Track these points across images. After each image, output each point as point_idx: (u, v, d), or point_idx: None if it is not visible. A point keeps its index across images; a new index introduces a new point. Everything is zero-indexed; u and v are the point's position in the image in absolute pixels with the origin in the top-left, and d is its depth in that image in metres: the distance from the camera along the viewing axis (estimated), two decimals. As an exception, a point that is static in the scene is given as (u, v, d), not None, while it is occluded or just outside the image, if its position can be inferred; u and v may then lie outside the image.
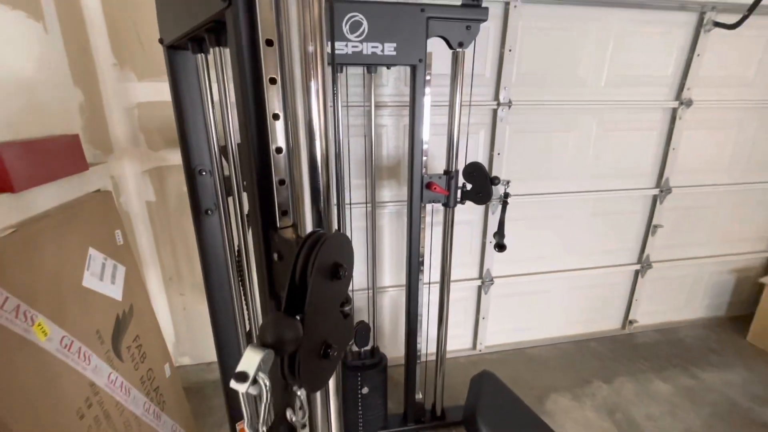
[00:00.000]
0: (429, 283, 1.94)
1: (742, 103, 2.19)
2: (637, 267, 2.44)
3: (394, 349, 2.23)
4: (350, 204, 1.93)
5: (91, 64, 1.53)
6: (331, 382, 0.61)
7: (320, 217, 0.51)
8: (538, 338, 2.48)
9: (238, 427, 1.20)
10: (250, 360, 0.32)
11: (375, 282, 1.78)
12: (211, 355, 2.14)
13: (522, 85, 1.95)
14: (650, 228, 2.35)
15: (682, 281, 2.58)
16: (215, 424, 1.88)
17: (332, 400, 0.62)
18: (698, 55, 2.04)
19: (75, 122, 1.40)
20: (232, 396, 1.13)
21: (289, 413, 0.35)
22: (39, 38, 1.24)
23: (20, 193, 1.02)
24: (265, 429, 0.35)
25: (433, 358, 1.85)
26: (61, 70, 1.35)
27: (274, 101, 0.52)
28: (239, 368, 0.32)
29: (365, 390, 1.66)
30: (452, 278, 2.14)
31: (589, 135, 2.11)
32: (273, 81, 0.51)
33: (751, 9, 1.77)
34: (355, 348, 1.71)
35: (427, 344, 2.04)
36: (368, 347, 1.72)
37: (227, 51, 0.80)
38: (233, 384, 0.32)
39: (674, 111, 2.15)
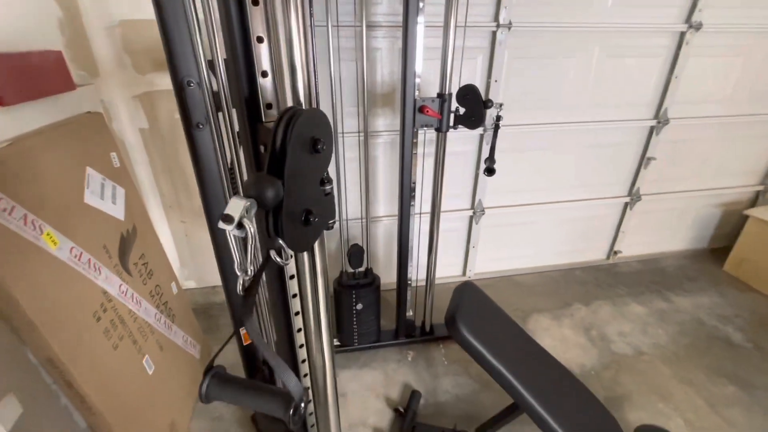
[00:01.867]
0: (420, 214, 2.01)
1: (756, 27, 2.09)
2: (627, 199, 2.49)
3: (388, 275, 2.36)
4: (343, 133, 1.92)
5: (65, -24, 1.44)
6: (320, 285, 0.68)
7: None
8: (526, 267, 2.61)
9: (242, 332, 1.32)
10: (235, 205, 0.37)
11: (368, 209, 1.84)
12: (215, 279, 2.27)
13: (524, 5, 1.85)
14: (643, 160, 2.37)
15: (669, 214, 2.65)
16: (222, 339, 2.04)
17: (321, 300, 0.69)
18: (715, -29, 1.91)
19: (56, 39, 1.35)
20: (234, 300, 1.24)
21: (273, 254, 0.41)
22: (5, -59, 1.15)
23: (10, 107, 1.02)
24: (252, 269, 0.40)
25: (424, 283, 1.97)
26: (34, -21, 1.27)
27: (258, 22, 0.52)
28: (225, 212, 0.36)
29: (359, 306, 1.79)
30: (445, 209, 2.22)
31: (590, 62, 2.04)
32: (256, 2, 0.51)
33: None
34: (350, 269, 1.82)
35: (417, 271, 2.16)
36: (362, 269, 1.83)
37: None
38: (221, 224, 0.36)
39: (682, 35, 2.06)
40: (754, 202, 2.73)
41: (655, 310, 2.27)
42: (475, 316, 1.16)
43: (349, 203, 2.00)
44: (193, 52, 0.94)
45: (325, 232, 0.61)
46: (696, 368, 1.87)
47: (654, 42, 2.06)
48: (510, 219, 2.40)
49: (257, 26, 0.54)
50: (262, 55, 0.55)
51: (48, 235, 1.03)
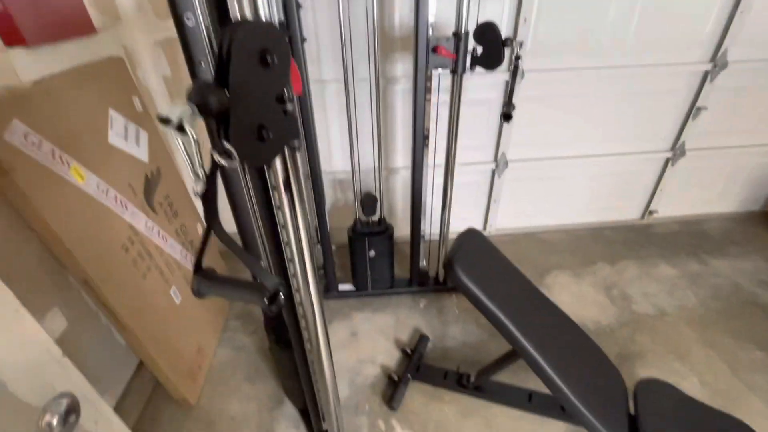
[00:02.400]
0: (434, 165, 1.96)
1: None
2: (669, 155, 2.29)
3: (405, 228, 2.37)
4: (353, 79, 1.86)
5: None
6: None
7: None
8: (551, 224, 2.52)
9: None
10: (173, 109, 0.38)
11: (381, 158, 1.82)
12: (241, 225, 2.40)
13: (561, -72, 1.64)
14: (692, 111, 2.14)
15: (718, 172, 2.41)
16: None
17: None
18: None
19: (75, -18, 1.39)
20: (247, 236, 1.31)
21: (216, 156, 0.42)
22: None
23: (34, 48, 1.09)
24: (202, 172, 0.43)
25: (439, 236, 1.97)
26: None
27: None
28: (160, 114, 0.38)
29: (372, 253, 1.84)
30: (465, 161, 2.16)
31: (636, -5, 1.81)
32: None
33: None
34: (363, 217, 1.85)
35: (432, 224, 2.15)
36: (375, 218, 1.85)
37: None
38: (160, 125, 0.38)
39: (754, -41, 1.76)
40: (824, 160, 2.41)
41: (687, 273, 2.14)
42: (475, 261, 1.15)
43: (365, 153, 1.98)
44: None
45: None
46: (723, 332, 1.78)
47: (718, -32, 1.78)
48: (536, 173, 2.30)
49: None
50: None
51: (75, 169, 1.12)
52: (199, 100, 0.40)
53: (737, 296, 1.97)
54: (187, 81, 1.85)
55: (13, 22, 1.02)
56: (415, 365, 1.62)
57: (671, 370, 1.63)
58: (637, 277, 2.13)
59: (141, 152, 1.46)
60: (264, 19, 0.51)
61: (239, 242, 1.21)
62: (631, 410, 1.22)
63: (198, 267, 0.59)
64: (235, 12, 0.53)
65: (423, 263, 2.04)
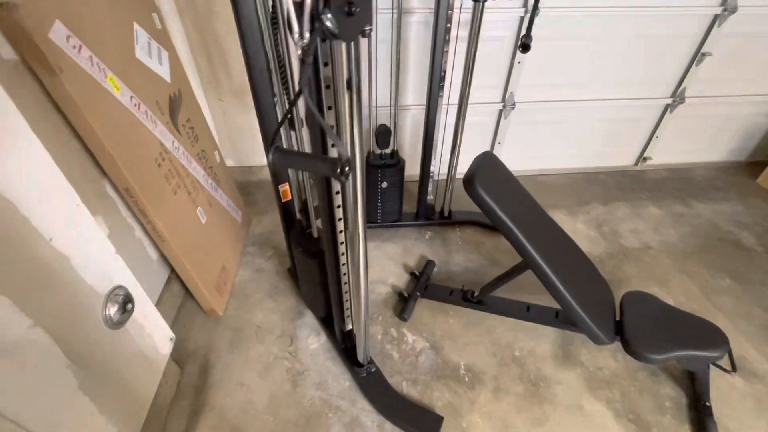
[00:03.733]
0: (448, 105, 2.00)
1: None
2: (668, 101, 2.37)
3: (413, 167, 2.44)
4: (375, 10, 1.85)
5: None
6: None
7: None
8: (551, 167, 2.63)
9: (281, 189, 1.48)
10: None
11: (397, 98, 1.85)
12: (251, 159, 2.45)
13: None
14: (696, 56, 2.19)
15: (713, 121, 2.52)
16: (259, 212, 2.28)
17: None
18: None
19: None
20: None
21: (325, 19, 0.49)
22: None
23: (62, -53, 1.06)
24: (305, 39, 0.49)
25: (446, 177, 2.05)
26: None
27: None
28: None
29: (384, 185, 1.93)
30: (475, 101, 2.20)
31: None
32: None
33: None
34: (377, 150, 1.91)
35: (440, 164, 2.23)
36: (388, 150, 1.92)
37: None
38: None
39: None
40: (812, 112, 2.54)
41: (672, 213, 2.31)
42: (491, 179, 1.25)
43: (379, 88, 2.00)
44: None
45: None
46: (698, 263, 1.98)
47: None
48: (541, 116, 2.36)
49: None
50: None
51: (111, 79, 1.14)
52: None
53: (714, 234, 2.16)
54: (203, 10, 1.79)
55: None
56: (423, 284, 1.78)
57: (651, 293, 1.82)
58: (627, 217, 2.29)
59: (164, 71, 1.47)
60: None
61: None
62: (617, 317, 1.41)
63: (272, 141, 0.66)
64: None
65: (430, 198, 2.15)
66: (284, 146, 1.36)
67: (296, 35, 0.49)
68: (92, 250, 1.03)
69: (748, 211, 2.33)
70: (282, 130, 1.32)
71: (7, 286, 0.76)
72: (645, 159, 2.63)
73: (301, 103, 0.97)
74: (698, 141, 2.62)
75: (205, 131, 1.78)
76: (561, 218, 2.27)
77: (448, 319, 1.69)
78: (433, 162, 2.00)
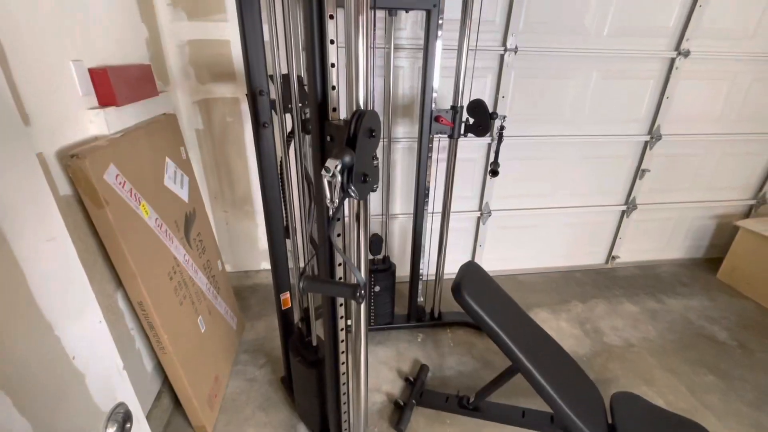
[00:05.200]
0: (433, 213, 2.26)
1: (740, 55, 2.32)
2: (623, 208, 2.71)
3: (401, 269, 2.60)
4: (368, 139, 2.20)
5: (150, 3, 1.77)
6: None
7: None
8: (529, 267, 2.83)
9: (282, 297, 1.58)
10: (331, 163, 0.64)
11: (387, 208, 2.10)
12: (248, 264, 2.56)
13: (529, 32, 2.13)
14: (638, 172, 2.59)
15: (665, 223, 2.85)
16: (252, 317, 2.31)
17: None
18: (700, 6, 2.15)
19: (145, 55, 1.68)
20: (278, 270, 1.51)
21: (350, 191, 0.67)
22: (117, -20, 1.49)
23: (121, 107, 1.33)
24: (335, 203, 0.67)
25: (434, 277, 2.21)
26: (133, 9, 1.60)
27: (331, 31, 0.80)
28: (326, 165, 0.63)
29: (377, 288, 2.04)
30: (455, 209, 2.47)
31: (588, 82, 2.30)
32: (331, 17, 0.79)
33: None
34: (369, 256, 2.07)
35: (428, 266, 2.40)
36: (380, 256, 2.09)
37: (290, 10, 1.06)
38: (323, 173, 0.63)
39: (672, 61, 2.30)
40: (747, 215, 2.91)
41: (647, 310, 2.46)
42: (477, 287, 1.40)
43: (371, 200, 2.26)
44: (265, 70, 1.24)
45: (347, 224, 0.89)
46: (680, 360, 2.06)
47: (646, 66, 2.31)
48: (515, 221, 2.64)
49: (332, 56, 0.82)
50: (334, 75, 0.83)
51: (143, 206, 1.32)
52: (345, 157, 0.66)
53: (689, 329, 2.29)
54: (218, 133, 2.12)
55: (111, 88, 1.27)
56: (418, 391, 1.77)
57: (640, 392, 1.85)
58: (606, 314, 2.42)
59: (184, 193, 1.67)
60: (363, 107, 0.79)
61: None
62: (609, 419, 1.44)
63: (303, 272, 0.80)
64: (330, 103, 0.81)
65: (420, 300, 2.26)
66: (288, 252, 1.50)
67: (328, 200, 0.67)
68: (105, 366, 1.07)
69: (714, 306, 2.50)
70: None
71: (24, 402, 0.80)
72: (614, 258, 2.87)
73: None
74: (658, 241, 2.91)
75: (212, 242, 1.93)
76: (545, 317, 2.38)
77: (445, 428, 1.66)
78: (421, 264, 2.16)
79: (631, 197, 2.68)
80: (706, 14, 2.19)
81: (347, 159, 0.67)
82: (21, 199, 0.89)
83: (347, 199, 0.69)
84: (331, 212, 0.69)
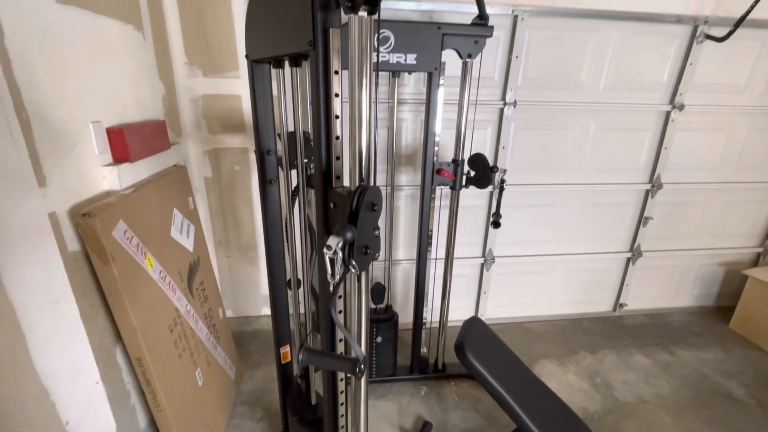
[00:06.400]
0: (436, 259, 2.26)
1: (733, 108, 2.39)
2: (629, 255, 2.69)
3: (404, 315, 2.56)
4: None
5: (169, 63, 1.89)
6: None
7: (361, 179, 0.83)
8: (535, 314, 2.77)
9: (281, 351, 1.55)
10: (333, 240, 0.65)
11: (390, 253, 2.11)
12: (249, 310, 2.54)
13: (527, 88, 2.22)
14: (642, 220, 2.60)
15: (672, 270, 2.81)
16: (251, 366, 2.26)
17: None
18: (691, 64, 2.25)
19: (160, 111, 1.77)
20: (279, 324, 1.49)
21: (351, 267, 0.68)
22: (139, 44, 1.60)
23: (134, 162, 1.38)
24: (336, 279, 0.68)
25: (438, 324, 2.17)
26: (152, 68, 1.71)
27: (336, 108, 0.84)
28: (328, 243, 0.65)
29: (379, 339, 2.00)
30: (458, 256, 2.47)
31: (587, 133, 2.37)
32: (337, 95, 0.84)
33: (737, 24, 1.99)
34: (372, 305, 2.05)
35: (432, 313, 2.37)
36: (383, 305, 2.06)
37: (299, 69, 1.14)
38: (325, 250, 0.64)
39: (668, 114, 2.37)
40: (756, 262, 2.87)
41: (659, 362, 2.37)
42: (481, 345, 1.37)
43: (374, 247, 2.27)
44: (273, 130, 1.29)
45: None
46: (697, 419, 1.96)
47: (643, 119, 2.38)
48: (519, 268, 2.62)
49: (336, 129, 0.86)
50: (339, 146, 0.87)
51: (149, 259, 1.33)
52: (346, 234, 0.67)
53: (704, 385, 2.19)
54: (225, 181, 2.17)
55: (126, 146, 1.33)
56: (421, 452, 1.69)
57: (657, 456, 1.76)
58: (616, 366, 2.33)
59: (189, 243, 1.69)
60: (366, 181, 0.82)
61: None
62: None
63: (302, 344, 0.80)
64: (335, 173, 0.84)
65: (423, 350, 2.20)
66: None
67: (329, 276, 0.68)
68: (98, 430, 1.05)
69: (729, 359, 2.41)
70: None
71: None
72: (621, 305, 2.81)
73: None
74: (666, 288, 2.86)
75: (214, 290, 1.93)
76: (552, 369, 2.30)
77: (449, 495, 1.56)
78: (424, 311, 2.13)
79: (636, 244, 2.66)
80: (697, 71, 2.28)
81: (349, 236, 0.68)
82: (30, 262, 0.92)
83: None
84: (332, 287, 0.69)
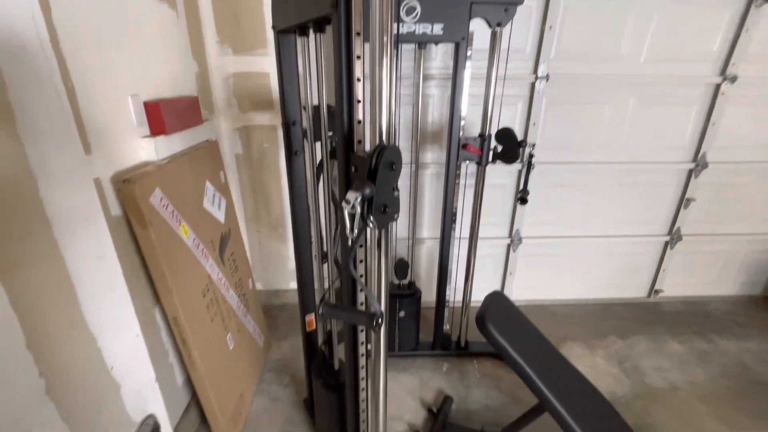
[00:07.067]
0: (460, 238, 2.24)
1: (794, 79, 2.18)
2: (666, 238, 2.55)
3: (428, 294, 2.57)
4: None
5: (201, 42, 1.95)
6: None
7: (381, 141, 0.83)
8: (563, 297, 2.70)
9: (306, 319, 1.61)
10: (352, 195, 0.67)
11: (415, 229, 2.11)
12: (278, 283, 2.63)
13: (561, 60, 2.12)
14: (683, 201, 2.45)
15: (715, 256, 2.64)
16: (279, 337, 2.35)
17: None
18: (747, 30, 2.06)
19: (193, 87, 1.84)
20: (305, 292, 1.54)
21: (369, 221, 0.70)
22: (173, 22, 1.65)
23: (169, 135, 1.45)
24: (354, 235, 0.70)
25: (461, 304, 2.17)
26: (186, 46, 1.77)
27: (358, 70, 0.85)
28: (347, 197, 0.66)
29: (402, 314, 2.03)
30: (483, 236, 2.44)
31: (625, 108, 2.24)
32: (359, 57, 0.84)
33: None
34: (395, 280, 2.07)
35: (455, 293, 2.36)
36: (406, 281, 2.08)
37: (323, 35, 1.14)
38: (343, 204, 0.66)
39: (717, 87, 2.20)
40: (812, 250, 2.65)
41: (695, 350, 2.26)
42: (503, 319, 1.36)
43: (398, 225, 2.28)
44: (299, 100, 1.32)
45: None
46: (734, 409, 1.87)
47: (688, 92, 2.22)
48: (548, 249, 2.55)
49: (358, 92, 0.86)
50: (360, 109, 0.87)
51: (183, 226, 1.41)
52: (365, 190, 0.68)
53: (745, 375, 2.08)
54: (256, 158, 2.24)
55: (162, 119, 1.40)
56: (441, 424, 1.72)
57: (687, 443, 1.70)
58: (648, 352, 2.25)
59: (220, 215, 1.77)
60: (387, 142, 0.82)
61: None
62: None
63: (323, 298, 0.83)
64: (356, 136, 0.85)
65: (446, 327, 2.21)
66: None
67: (348, 231, 0.70)
68: (139, 378, 1.14)
69: (776, 350, 2.27)
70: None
71: (67, 409, 0.86)
72: (657, 291, 2.69)
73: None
74: (706, 275, 2.70)
75: (244, 261, 2.01)
76: (579, 352, 2.25)
77: (468, 465, 1.58)
78: (448, 290, 2.13)
79: (675, 227, 2.52)
80: (754, 38, 2.09)
81: (367, 191, 0.69)
82: (78, 220, 1.00)
83: (368, 229, 0.72)
84: (350, 241, 0.71)
